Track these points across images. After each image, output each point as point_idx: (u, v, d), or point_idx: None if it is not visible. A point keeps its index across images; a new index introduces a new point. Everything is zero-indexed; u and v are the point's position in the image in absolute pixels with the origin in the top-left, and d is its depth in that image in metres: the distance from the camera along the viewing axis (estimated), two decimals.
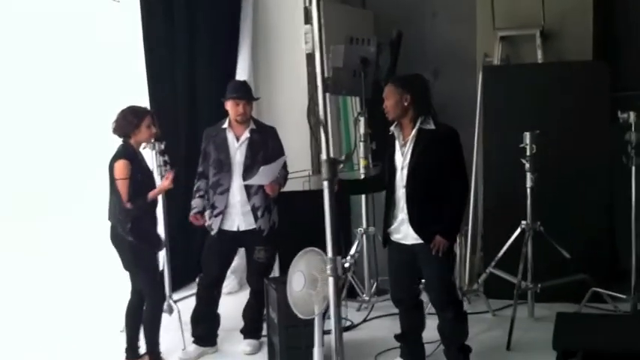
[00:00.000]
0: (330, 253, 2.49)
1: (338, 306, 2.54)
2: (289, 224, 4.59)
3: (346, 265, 2.76)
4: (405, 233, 3.67)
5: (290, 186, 4.63)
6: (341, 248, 2.84)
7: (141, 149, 4.09)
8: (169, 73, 5.58)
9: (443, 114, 3.78)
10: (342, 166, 4.59)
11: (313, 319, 3.24)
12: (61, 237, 5.40)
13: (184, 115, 5.68)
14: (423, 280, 3.88)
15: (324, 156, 2.50)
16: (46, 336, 4.62)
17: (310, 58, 4.92)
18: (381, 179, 3.81)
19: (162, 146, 4.44)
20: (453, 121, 3.71)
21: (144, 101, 5.11)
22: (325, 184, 2.47)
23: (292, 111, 5.77)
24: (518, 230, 4.63)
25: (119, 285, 4.92)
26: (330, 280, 2.50)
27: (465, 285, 5.11)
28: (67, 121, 5.25)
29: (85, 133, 5.25)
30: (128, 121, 3.93)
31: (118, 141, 3.99)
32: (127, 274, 4.08)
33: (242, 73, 5.76)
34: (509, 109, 5.10)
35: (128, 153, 3.91)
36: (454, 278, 4.20)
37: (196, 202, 4.33)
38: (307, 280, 3.20)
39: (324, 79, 2.38)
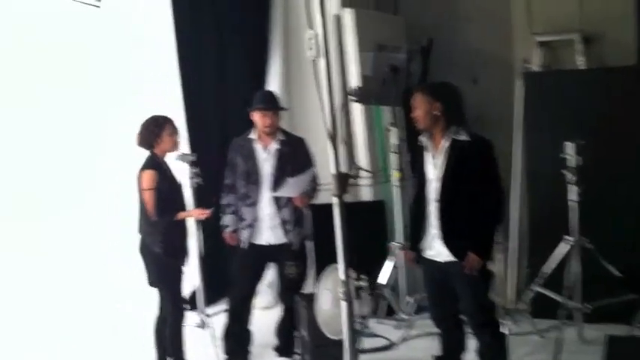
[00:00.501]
0: (341, 274, 2.32)
1: (352, 332, 2.37)
2: (323, 237, 4.46)
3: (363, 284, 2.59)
4: (437, 250, 3.51)
5: (324, 198, 4.48)
6: (361, 267, 2.68)
7: (166, 159, 4.05)
8: (200, 85, 5.52)
9: (479, 123, 3.61)
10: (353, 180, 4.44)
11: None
12: (61, 238, 5.34)
13: (216, 127, 5.61)
14: None
15: (332, 170, 2.33)
16: (46, 337, 4.58)
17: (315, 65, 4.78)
18: None
19: (193, 158, 4.34)
20: (490, 130, 3.56)
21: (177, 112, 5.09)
22: (335, 200, 2.31)
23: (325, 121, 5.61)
24: (563, 246, 4.41)
25: (118, 286, 5.04)
26: (343, 305, 2.33)
27: (509, 303, 4.86)
28: (66, 122, 5.24)
29: (84, 134, 5.26)
30: (150, 131, 3.93)
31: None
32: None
33: (273, 82, 5.67)
34: (551, 117, 4.89)
35: (154, 163, 3.90)
36: (491, 298, 3.99)
37: (229, 220, 4.24)
38: (335, 298, 3.08)
39: (330, 89, 2.23)
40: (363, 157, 5.38)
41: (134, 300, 4.80)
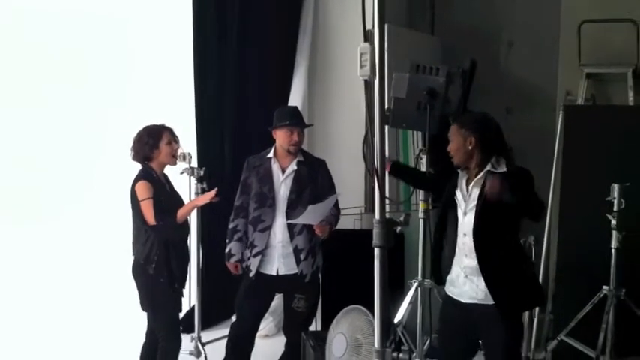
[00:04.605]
0: (377, 343, 1.94)
1: None
2: (336, 268, 4.17)
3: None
4: (461, 289, 3.18)
5: (340, 224, 4.20)
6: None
7: (165, 172, 3.79)
8: (217, 96, 5.36)
9: (514, 156, 3.30)
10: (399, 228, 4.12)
11: None
12: (56, 242, 5.41)
13: (230, 143, 5.41)
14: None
15: (377, 216, 1.95)
16: (45, 338, 4.47)
17: (367, 85, 4.61)
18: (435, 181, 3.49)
19: (202, 172, 4.14)
20: (526, 164, 3.25)
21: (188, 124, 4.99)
22: (377, 252, 1.93)
23: (348, 141, 5.41)
24: (599, 296, 4.13)
25: (114, 289, 4.91)
26: None
27: (530, 352, 4.52)
28: (66, 123, 5.34)
29: (84, 135, 5.34)
30: (144, 143, 3.66)
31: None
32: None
33: (296, 98, 5.50)
34: (593, 154, 4.59)
35: (147, 175, 3.63)
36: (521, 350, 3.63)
37: (235, 248, 3.93)
38: (350, 344, 2.85)
39: (383, 116, 1.86)
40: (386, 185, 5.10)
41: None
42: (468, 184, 3.20)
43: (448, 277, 3.25)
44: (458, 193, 3.22)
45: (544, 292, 3.69)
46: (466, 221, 3.15)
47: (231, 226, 3.95)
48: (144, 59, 5.29)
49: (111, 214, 5.42)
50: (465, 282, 3.14)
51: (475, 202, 3.13)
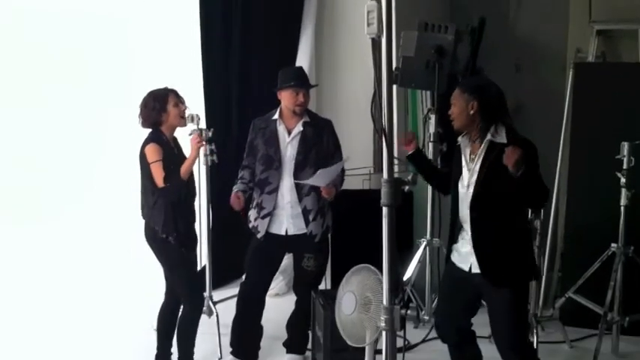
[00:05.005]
0: (385, 300, 1.96)
1: None
2: (345, 228, 4.17)
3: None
4: (465, 259, 3.17)
5: (348, 184, 4.19)
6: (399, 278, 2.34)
7: (175, 135, 3.75)
8: (222, 59, 5.31)
9: (522, 114, 3.26)
10: (407, 187, 4.08)
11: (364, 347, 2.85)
12: (56, 242, 5.39)
13: (237, 107, 5.37)
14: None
15: (385, 175, 1.95)
16: (45, 338, 4.38)
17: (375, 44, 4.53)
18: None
19: (210, 133, 4.14)
20: (534, 123, 3.19)
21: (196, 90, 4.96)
22: (385, 211, 1.92)
23: (357, 101, 5.35)
24: (608, 253, 4.14)
25: (114, 289, 5.02)
26: (384, 335, 1.97)
27: (538, 310, 4.54)
28: (66, 123, 5.32)
29: (84, 136, 5.33)
30: (151, 108, 3.60)
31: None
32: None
33: (303, 59, 5.42)
34: (604, 112, 4.54)
35: (156, 137, 3.60)
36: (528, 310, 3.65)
37: (238, 186, 3.92)
38: (359, 302, 2.85)
39: (390, 75, 1.84)
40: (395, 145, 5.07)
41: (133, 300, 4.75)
42: (471, 162, 3.15)
43: (454, 245, 3.24)
44: (463, 168, 3.18)
45: (539, 269, 3.64)
46: (468, 195, 3.12)
47: (239, 175, 3.96)
48: (144, 59, 5.24)
49: (111, 214, 5.51)
50: (470, 254, 3.12)
51: (475, 177, 3.10)
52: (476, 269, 3.11)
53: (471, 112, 3.10)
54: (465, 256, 3.17)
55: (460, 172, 3.18)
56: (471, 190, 3.10)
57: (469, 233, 3.12)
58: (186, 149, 3.77)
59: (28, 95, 5.25)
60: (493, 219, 3.06)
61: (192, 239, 3.78)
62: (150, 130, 3.64)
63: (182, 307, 3.75)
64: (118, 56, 5.32)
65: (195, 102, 4.26)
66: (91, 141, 5.48)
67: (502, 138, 3.06)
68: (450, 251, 3.29)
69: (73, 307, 4.72)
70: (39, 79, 5.25)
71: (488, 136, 3.08)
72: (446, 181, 3.34)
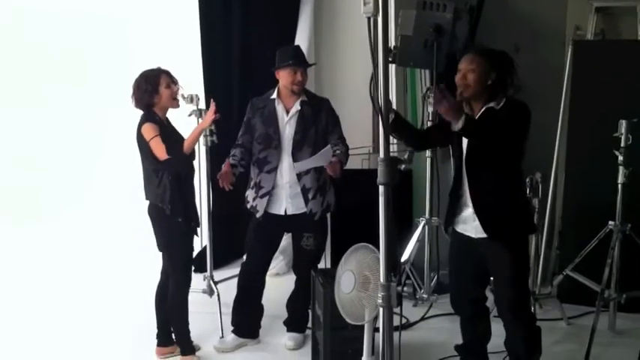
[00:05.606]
0: (382, 278, 1.98)
1: (390, 343, 2.05)
2: (344, 207, 4.19)
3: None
4: (469, 225, 3.20)
5: (348, 163, 4.19)
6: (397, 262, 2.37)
7: (168, 116, 3.72)
8: (221, 40, 5.28)
9: (520, 95, 3.25)
10: (403, 166, 4.06)
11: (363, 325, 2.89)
12: (56, 242, 5.44)
13: (237, 87, 5.34)
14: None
15: (381, 154, 1.96)
16: (45, 338, 4.36)
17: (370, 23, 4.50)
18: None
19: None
20: (533, 101, 3.18)
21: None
22: (381, 189, 1.94)
23: (356, 80, 5.31)
24: (605, 231, 4.15)
25: (114, 288, 5.03)
26: (381, 311, 2.00)
27: (536, 287, 4.58)
28: (66, 123, 5.39)
29: (84, 136, 5.39)
30: (144, 91, 3.58)
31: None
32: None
33: (302, 38, 5.37)
34: (602, 90, 4.53)
35: (150, 117, 3.58)
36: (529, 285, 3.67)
37: (232, 158, 3.88)
38: (358, 281, 2.87)
39: (386, 55, 1.84)
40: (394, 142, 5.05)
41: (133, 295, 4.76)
42: None
43: (460, 216, 3.25)
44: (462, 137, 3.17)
45: (535, 223, 3.67)
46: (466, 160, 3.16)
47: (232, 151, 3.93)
48: (144, 59, 5.21)
49: (111, 213, 5.56)
50: (474, 219, 3.14)
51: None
52: (479, 234, 3.14)
53: (489, 82, 3.07)
54: (467, 221, 3.19)
55: (461, 141, 3.19)
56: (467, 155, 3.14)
57: (468, 192, 3.14)
58: (183, 132, 3.76)
59: (28, 95, 5.28)
60: (488, 174, 3.10)
61: (195, 215, 3.78)
62: (142, 112, 3.63)
63: (170, 285, 3.74)
64: (118, 56, 5.31)
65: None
66: (91, 141, 5.51)
67: (500, 104, 3.08)
68: (448, 222, 3.31)
69: (73, 306, 4.72)
70: (39, 79, 5.28)
71: (491, 104, 3.09)
72: (424, 135, 3.46)
